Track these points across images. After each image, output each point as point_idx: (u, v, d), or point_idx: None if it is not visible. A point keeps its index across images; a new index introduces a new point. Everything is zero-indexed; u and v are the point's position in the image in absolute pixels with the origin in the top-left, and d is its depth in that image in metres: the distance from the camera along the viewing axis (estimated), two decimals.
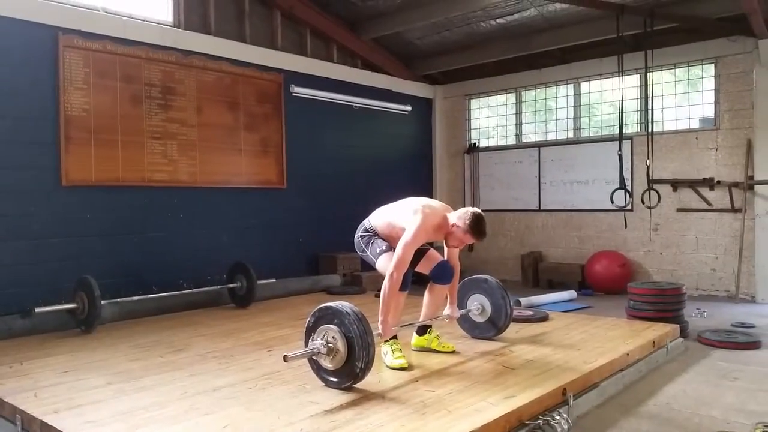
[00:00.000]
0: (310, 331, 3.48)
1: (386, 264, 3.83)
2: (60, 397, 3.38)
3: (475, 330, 4.67)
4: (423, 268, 4.12)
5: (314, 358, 3.44)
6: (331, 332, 3.36)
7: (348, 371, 3.33)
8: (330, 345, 3.35)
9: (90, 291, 5.06)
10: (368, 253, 4.08)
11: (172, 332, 5.12)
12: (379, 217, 4.14)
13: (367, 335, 3.28)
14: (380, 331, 3.72)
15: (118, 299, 5.58)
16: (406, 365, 3.81)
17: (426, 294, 4.31)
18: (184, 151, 6.63)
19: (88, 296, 5.09)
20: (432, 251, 4.20)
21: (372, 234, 4.12)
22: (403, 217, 3.96)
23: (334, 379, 3.39)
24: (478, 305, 4.59)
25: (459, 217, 3.89)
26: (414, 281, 4.10)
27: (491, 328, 4.59)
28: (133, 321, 5.64)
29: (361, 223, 4.22)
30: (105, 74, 6.01)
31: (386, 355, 3.91)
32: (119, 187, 6.12)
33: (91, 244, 5.89)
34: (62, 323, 5.21)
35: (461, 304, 4.58)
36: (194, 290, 6.29)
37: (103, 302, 5.13)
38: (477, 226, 3.83)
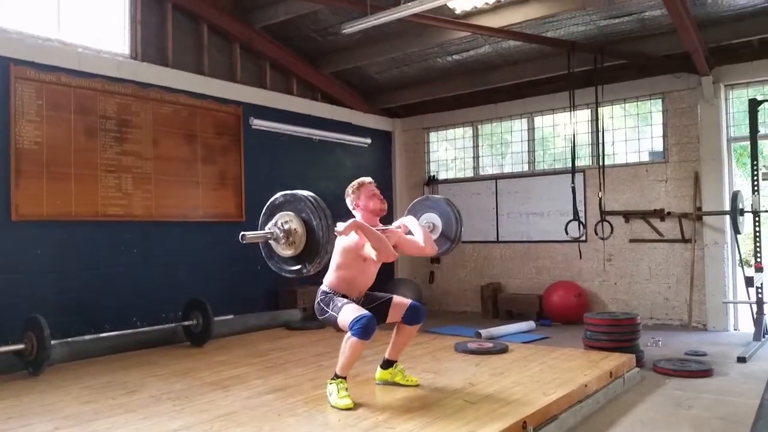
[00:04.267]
0: (265, 223, 3.57)
1: (350, 315, 3.73)
2: None
3: None
4: (393, 317, 4.11)
5: (270, 242, 3.51)
6: (287, 217, 3.47)
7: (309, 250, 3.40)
8: (287, 228, 3.44)
9: (39, 331, 4.87)
10: (329, 312, 3.90)
11: (125, 373, 4.96)
12: (328, 274, 4.06)
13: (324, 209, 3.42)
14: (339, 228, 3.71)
15: (69, 339, 5.38)
16: (352, 405, 3.72)
17: (394, 333, 4.24)
18: (140, 184, 6.51)
19: (36, 336, 4.89)
20: (397, 298, 4.18)
21: (330, 293, 3.98)
22: (338, 250, 3.96)
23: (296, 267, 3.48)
24: (429, 223, 4.61)
25: (348, 197, 4.13)
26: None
27: (445, 242, 4.61)
28: (85, 361, 5.44)
29: (318, 291, 4.09)
30: (59, 106, 5.90)
31: (331, 394, 3.82)
32: (72, 221, 5.95)
33: (41, 281, 5.69)
34: (9, 365, 4.99)
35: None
36: (148, 329, 6.11)
37: (53, 342, 4.94)
38: (355, 182, 4.13)
